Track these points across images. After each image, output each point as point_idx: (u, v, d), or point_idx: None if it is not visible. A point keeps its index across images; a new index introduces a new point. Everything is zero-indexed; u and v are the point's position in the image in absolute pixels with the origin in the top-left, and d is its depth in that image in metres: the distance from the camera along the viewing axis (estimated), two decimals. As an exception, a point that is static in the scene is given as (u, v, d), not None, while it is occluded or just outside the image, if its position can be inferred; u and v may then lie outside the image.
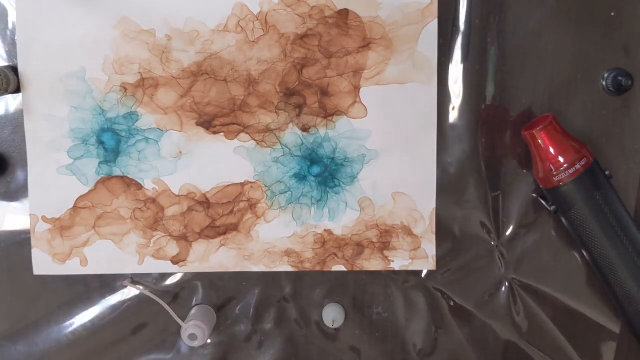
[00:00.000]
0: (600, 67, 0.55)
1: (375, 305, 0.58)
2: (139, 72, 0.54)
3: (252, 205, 0.56)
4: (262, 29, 0.53)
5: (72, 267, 0.56)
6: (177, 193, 0.55)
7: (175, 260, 0.56)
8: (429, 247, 0.56)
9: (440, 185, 0.56)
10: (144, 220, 0.56)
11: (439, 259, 0.57)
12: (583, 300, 0.57)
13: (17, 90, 0.54)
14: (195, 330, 0.53)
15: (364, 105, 0.54)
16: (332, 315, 0.56)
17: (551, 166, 0.51)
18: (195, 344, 0.54)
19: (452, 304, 0.58)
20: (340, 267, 0.57)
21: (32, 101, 0.54)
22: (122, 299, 0.57)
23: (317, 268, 0.57)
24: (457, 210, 0.56)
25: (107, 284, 0.57)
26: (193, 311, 0.56)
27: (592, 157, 0.51)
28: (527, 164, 0.56)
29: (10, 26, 0.53)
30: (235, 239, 0.56)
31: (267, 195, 0.56)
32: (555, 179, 0.51)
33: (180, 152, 0.55)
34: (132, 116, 0.54)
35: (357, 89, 0.54)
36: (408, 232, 0.56)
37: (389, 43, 0.53)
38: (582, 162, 0.51)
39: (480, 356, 0.58)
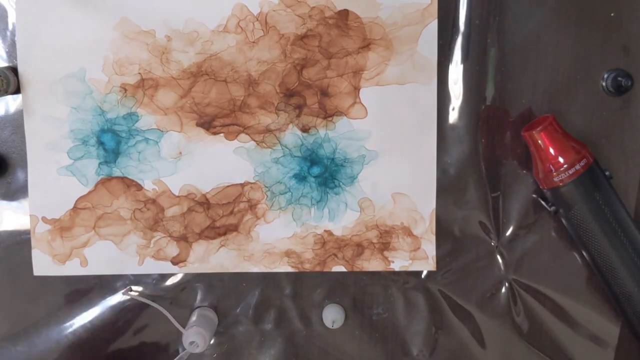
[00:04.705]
0: (600, 67, 0.55)
1: (375, 305, 0.58)
2: (139, 73, 0.54)
3: (252, 206, 0.56)
4: (262, 30, 0.53)
5: (72, 268, 0.56)
6: (177, 194, 0.55)
7: (175, 261, 0.56)
8: (429, 248, 0.56)
9: (440, 185, 0.56)
10: (143, 221, 0.56)
11: (439, 260, 0.57)
12: (583, 300, 0.57)
13: (17, 91, 0.54)
14: (196, 337, 0.53)
15: (364, 106, 0.54)
16: (332, 316, 0.56)
17: (551, 167, 0.51)
18: (197, 350, 0.54)
19: (452, 304, 0.58)
20: (340, 268, 0.57)
21: (32, 102, 0.54)
22: (122, 300, 0.57)
23: (317, 268, 0.57)
24: (457, 210, 0.56)
25: (107, 284, 0.57)
26: (194, 317, 0.56)
27: (592, 158, 0.51)
28: (527, 164, 0.56)
29: (10, 27, 0.53)
30: (235, 239, 0.56)
31: (267, 196, 0.56)
32: (555, 179, 0.51)
33: (180, 153, 0.55)
34: (132, 117, 0.54)
35: (357, 89, 0.54)
36: (408, 232, 0.56)
37: (388, 44, 0.53)
38: (582, 163, 0.51)
39: (480, 356, 0.58)
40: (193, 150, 0.55)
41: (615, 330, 0.58)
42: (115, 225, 0.56)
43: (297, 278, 0.57)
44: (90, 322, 0.57)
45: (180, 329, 0.55)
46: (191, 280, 0.57)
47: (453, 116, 0.55)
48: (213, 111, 0.54)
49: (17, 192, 0.55)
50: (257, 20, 0.53)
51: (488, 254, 0.57)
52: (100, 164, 0.55)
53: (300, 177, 0.56)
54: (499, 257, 0.57)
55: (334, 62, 0.54)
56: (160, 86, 0.54)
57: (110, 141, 0.55)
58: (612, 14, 0.54)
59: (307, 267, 0.57)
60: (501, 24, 0.54)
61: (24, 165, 0.55)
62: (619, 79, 0.53)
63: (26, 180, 0.55)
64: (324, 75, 0.54)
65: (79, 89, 0.54)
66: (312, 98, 0.54)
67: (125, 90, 0.54)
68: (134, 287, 0.57)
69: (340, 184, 0.56)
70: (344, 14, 0.53)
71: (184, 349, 0.58)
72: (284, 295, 0.58)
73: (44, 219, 0.55)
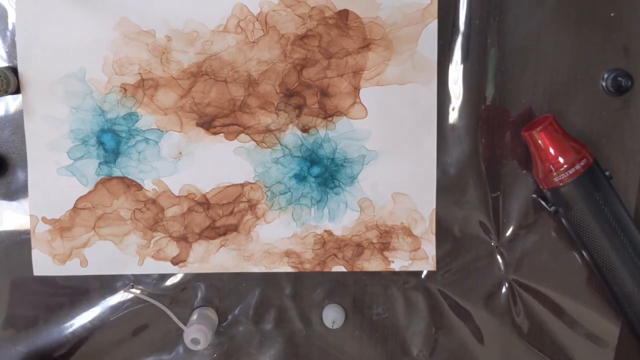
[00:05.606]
0: (600, 67, 0.55)
1: (375, 305, 0.58)
2: (139, 73, 0.54)
3: (252, 206, 0.56)
4: (262, 30, 0.53)
5: (72, 268, 0.56)
6: (177, 194, 0.55)
7: (175, 261, 0.56)
8: (429, 248, 0.56)
9: (440, 185, 0.56)
10: (143, 221, 0.56)
11: (439, 260, 0.57)
12: (583, 300, 0.57)
13: (17, 91, 0.54)
14: (197, 334, 0.53)
15: (364, 106, 0.54)
16: (332, 316, 0.56)
17: (551, 167, 0.51)
18: (198, 347, 0.54)
19: (452, 304, 0.58)
20: (340, 268, 0.57)
21: (32, 102, 0.54)
22: (122, 300, 0.57)
23: (317, 269, 0.57)
24: (457, 210, 0.56)
25: (107, 284, 0.57)
26: (195, 315, 0.56)
27: (592, 158, 0.51)
28: (527, 164, 0.56)
29: (10, 27, 0.53)
30: (235, 239, 0.56)
31: (267, 196, 0.56)
32: (555, 179, 0.51)
33: (180, 153, 0.55)
34: (132, 117, 0.54)
35: (357, 89, 0.54)
36: (408, 232, 0.56)
37: (388, 44, 0.53)
38: (582, 163, 0.51)
39: (480, 356, 0.58)
40: (193, 150, 0.55)
41: (615, 330, 0.58)
42: (115, 225, 0.56)
43: (297, 278, 0.57)
44: (90, 322, 0.57)
45: (182, 326, 0.56)
46: (191, 280, 0.57)
47: (453, 116, 0.55)
48: (213, 111, 0.54)
49: (17, 192, 0.55)
50: (257, 20, 0.53)
51: (488, 254, 0.57)
52: (100, 164, 0.55)
53: (300, 177, 0.56)
54: (499, 257, 0.57)
55: (334, 62, 0.54)
56: (160, 86, 0.54)
57: (110, 141, 0.55)
58: (612, 14, 0.54)
59: (307, 267, 0.57)
60: (501, 24, 0.54)
61: (24, 165, 0.55)
62: (619, 79, 0.53)
63: (26, 180, 0.55)
64: (324, 75, 0.54)
65: (79, 89, 0.54)
66: (312, 98, 0.54)
67: (125, 90, 0.54)
68: (133, 289, 0.57)
69: (340, 184, 0.56)
70: (344, 14, 0.53)
71: (184, 348, 0.58)
72: (284, 295, 0.58)
73: (44, 219, 0.55)
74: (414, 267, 0.57)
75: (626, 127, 0.55)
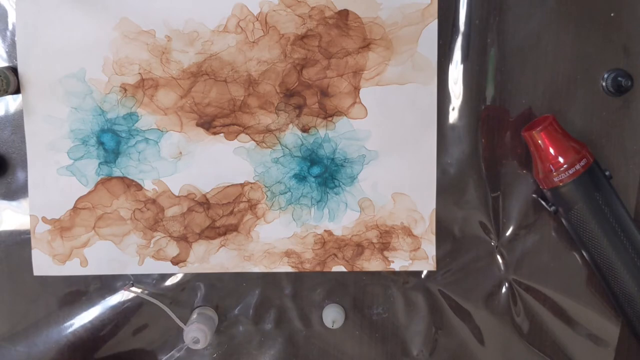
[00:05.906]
0: (600, 67, 0.55)
1: (375, 305, 0.58)
2: (139, 73, 0.54)
3: (252, 206, 0.56)
4: (262, 30, 0.53)
5: (72, 268, 0.56)
6: (177, 194, 0.55)
7: (175, 261, 0.56)
8: (429, 248, 0.56)
9: (440, 185, 0.56)
10: (144, 221, 0.56)
11: (439, 260, 0.57)
12: (583, 300, 0.57)
13: (17, 91, 0.54)
14: (197, 333, 0.53)
15: (364, 106, 0.54)
16: (332, 316, 0.56)
17: (551, 167, 0.51)
18: (198, 346, 0.54)
19: (452, 304, 0.58)
20: (340, 268, 0.57)
21: (32, 102, 0.54)
22: (122, 300, 0.57)
23: (317, 268, 0.57)
24: (457, 210, 0.56)
25: (107, 284, 0.57)
26: (195, 314, 0.56)
27: (592, 158, 0.51)
28: (527, 164, 0.56)
29: (10, 27, 0.53)
30: (235, 239, 0.56)
31: (267, 196, 0.56)
32: (555, 179, 0.51)
33: (180, 153, 0.55)
34: (132, 117, 0.54)
35: (357, 89, 0.54)
36: (408, 232, 0.56)
37: (388, 44, 0.53)
38: (582, 163, 0.51)
39: (480, 356, 0.58)
40: (193, 150, 0.55)
41: (615, 330, 0.58)
42: (115, 225, 0.56)
43: (297, 278, 0.57)
44: (90, 322, 0.57)
45: (181, 325, 0.56)
46: (191, 280, 0.57)
47: (453, 116, 0.55)
48: (213, 111, 0.54)
49: (17, 192, 0.55)
50: (257, 20, 0.53)
51: (488, 254, 0.57)
52: (100, 164, 0.55)
53: (300, 177, 0.56)
54: (499, 257, 0.57)
55: (334, 62, 0.54)
56: (160, 86, 0.54)
57: (110, 141, 0.55)
58: (612, 14, 0.54)
59: (307, 267, 0.57)
60: (501, 24, 0.54)
61: (24, 165, 0.55)
62: (619, 79, 0.53)
63: (26, 180, 0.55)
64: (324, 75, 0.54)
65: (79, 89, 0.54)
66: (312, 98, 0.54)
67: (125, 90, 0.54)
68: (134, 287, 0.57)
69: (340, 184, 0.56)
70: (344, 14, 0.53)
71: (184, 347, 0.58)
72: (284, 295, 0.58)
73: (44, 219, 0.55)
74: (414, 267, 0.57)
75: (626, 127, 0.55)
